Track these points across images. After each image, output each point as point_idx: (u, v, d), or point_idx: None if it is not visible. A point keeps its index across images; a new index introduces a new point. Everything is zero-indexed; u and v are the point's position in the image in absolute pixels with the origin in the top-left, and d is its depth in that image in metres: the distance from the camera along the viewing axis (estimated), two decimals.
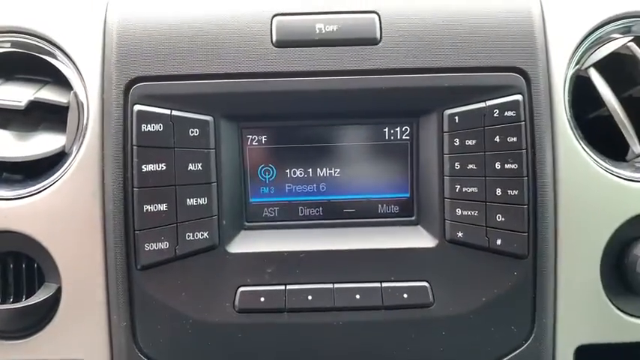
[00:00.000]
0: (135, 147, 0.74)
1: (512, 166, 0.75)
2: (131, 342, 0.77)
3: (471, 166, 0.75)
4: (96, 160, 0.78)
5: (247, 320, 0.76)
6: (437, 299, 0.76)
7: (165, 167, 0.74)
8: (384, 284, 0.76)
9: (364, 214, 0.81)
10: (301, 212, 0.81)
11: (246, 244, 0.78)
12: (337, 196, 0.80)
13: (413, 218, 0.80)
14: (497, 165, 0.75)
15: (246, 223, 0.80)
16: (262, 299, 0.76)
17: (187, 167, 0.75)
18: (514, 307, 0.77)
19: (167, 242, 0.75)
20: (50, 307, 0.81)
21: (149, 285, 0.76)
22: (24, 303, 0.79)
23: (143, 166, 0.74)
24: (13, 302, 0.81)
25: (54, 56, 0.82)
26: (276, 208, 0.81)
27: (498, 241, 0.75)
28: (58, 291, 0.80)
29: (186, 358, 0.77)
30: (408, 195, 0.80)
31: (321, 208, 0.81)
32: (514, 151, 0.75)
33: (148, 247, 0.75)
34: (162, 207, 0.74)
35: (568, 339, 0.80)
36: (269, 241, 0.78)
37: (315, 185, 0.80)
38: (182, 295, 0.76)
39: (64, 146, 0.81)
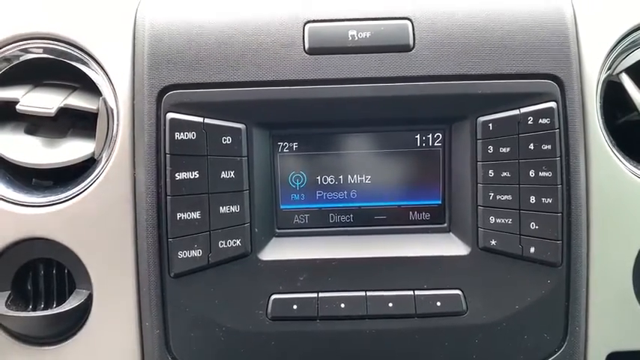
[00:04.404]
0: (168, 155, 0.74)
1: (547, 174, 0.75)
2: (164, 349, 0.77)
3: (504, 174, 0.75)
4: (127, 166, 0.78)
5: (280, 328, 0.76)
6: (470, 307, 0.76)
7: (198, 175, 0.74)
8: (417, 292, 0.76)
9: (395, 222, 0.80)
10: (332, 219, 0.81)
11: (278, 251, 0.78)
12: (368, 202, 0.80)
13: (444, 225, 0.80)
14: (532, 173, 0.75)
15: (277, 230, 0.80)
16: (295, 307, 0.76)
17: (220, 175, 0.75)
18: (547, 314, 0.77)
19: (200, 250, 0.75)
20: (81, 313, 0.81)
21: (182, 292, 0.76)
22: (55, 310, 0.79)
23: (176, 174, 0.74)
24: (43, 309, 0.81)
25: (84, 62, 0.82)
26: (306, 215, 0.81)
27: (532, 249, 0.75)
28: (89, 298, 0.81)
29: None
30: (439, 202, 0.80)
31: (351, 215, 0.81)
32: (548, 159, 0.75)
33: (181, 254, 0.74)
34: (196, 215, 0.74)
35: (599, 346, 0.80)
36: (300, 249, 0.78)
37: (345, 192, 0.80)
38: (215, 303, 0.76)
39: (93, 153, 0.81)
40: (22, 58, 0.83)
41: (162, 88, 0.75)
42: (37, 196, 0.81)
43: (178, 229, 0.74)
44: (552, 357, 0.78)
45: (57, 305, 0.81)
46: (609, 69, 0.82)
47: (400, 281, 0.77)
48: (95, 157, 0.81)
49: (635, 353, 0.81)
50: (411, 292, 0.76)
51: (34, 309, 0.82)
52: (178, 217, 0.74)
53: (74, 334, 0.81)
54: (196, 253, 0.75)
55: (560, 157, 0.75)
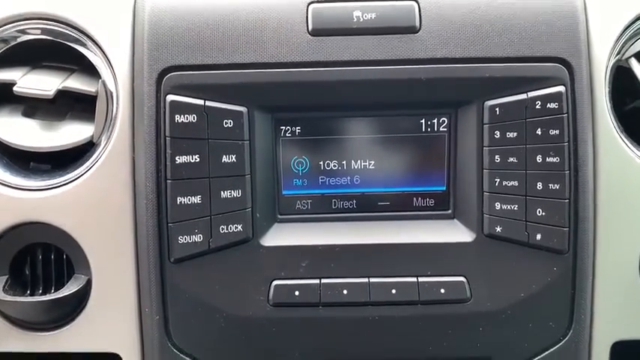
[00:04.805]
0: (168, 138, 0.73)
1: (554, 160, 0.73)
2: (163, 335, 0.76)
3: (511, 160, 0.74)
4: (126, 150, 0.77)
5: (281, 314, 0.75)
6: (474, 295, 0.75)
7: (198, 159, 0.73)
8: (421, 279, 0.75)
9: (399, 208, 0.79)
10: (334, 205, 0.79)
11: (280, 237, 0.77)
12: (371, 188, 0.79)
13: (449, 212, 0.78)
14: (539, 158, 0.73)
15: (279, 216, 0.79)
16: (297, 293, 0.75)
17: (221, 159, 0.73)
18: (552, 302, 0.76)
19: (201, 235, 0.73)
20: (80, 299, 0.80)
21: (182, 278, 0.75)
22: (53, 295, 0.78)
23: (177, 158, 0.73)
24: (41, 294, 0.80)
25: (82, 44, 0.80)
26: (309, 201, 0.79)
27: (538, 236, 0.74)
28: (88, 283, 0.79)
29: (220, 351, 0.76)
30: (444, 188, 0.78)
31: (354, 201, 0.79)
32: (556, 144, 0.73)
33: (181, 239, 0.73)
34: (196, 199, 0.73)
35: (605, 334, 0.79)
36: (303, 235, 0.77)
37: (349, 178, 0.79)
38: (215, 289, 0.75)
39: (92, 136, 0.79)
40: (19, 40, 0.81)
41: (163, 69, 0.73)
42: (35, 179, 0.79)
43: (178, 213, 0.73)
44: (557, 345, 0.77)
45: (55, 291, 0.79)
46: (618, 54, 0.81)
47: (403, 268, 0.75)
48: (94, 141, 0.79)
49: None
50: (414, 279, 0.75)
51: (32, 294, 0.81)
52: (178, 201, 0.73)
53: (73, 319, 0.80)
54: (197, 238, 0.74)
55: (568, 142, 0.73)
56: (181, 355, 0.76)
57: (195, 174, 0.73)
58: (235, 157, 0.74)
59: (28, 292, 0.81)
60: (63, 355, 0.86)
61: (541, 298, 0.75)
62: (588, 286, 0.76)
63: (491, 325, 0.76)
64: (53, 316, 0.80)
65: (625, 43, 0.81)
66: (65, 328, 0.80)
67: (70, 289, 0.79)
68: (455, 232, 0.77)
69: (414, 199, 0.79)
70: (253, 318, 0.75)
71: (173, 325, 0.76)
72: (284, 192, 0.79)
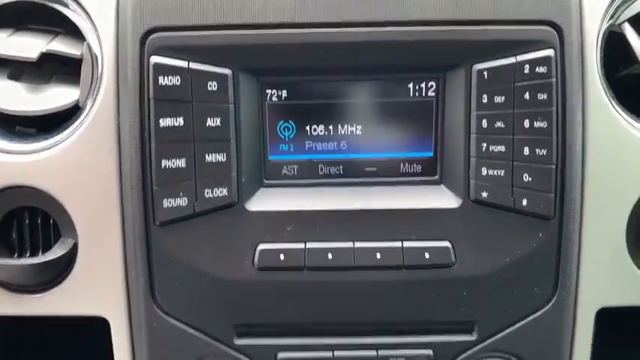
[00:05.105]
0: (152, 100, 0.72)
1: (542, 125, 0.72)
2: (149, 298, 0.76)
3: (498, 124, 0.73)
4: (111, 114, 0.76)
5: (267, 278, 0.75)
6: (459, 259, 0.75)
7: (183, 122, 0.72)
8: (406, 244, 0.75)
9: (385, 174, 0.79)
10: (321, 171, 0.79)
11: (266, 202, 0.76)
12: (358, 154, 0.78)
13: (436, 178, 0.78)
14: (526, 123, 0.73)
15: (265, 181, 0.78)
16: (282, 257, 0.75)
17: (206, 123, 0.73)
18: (537, 268, 0.76)
19: (186, 198, 0.73)
20: (67, 262, 0.80)
21: (167, 242, 0.75)
22: (41, 259, 0.78)
23: (160, 121, 0.72)
24: (29, 258, 0.80)
25: (66, 5, 0.79)
26: (295, 167, 0.79)
27: (524, 202, 0.73)
28: (75, 247, 0.80)
29: (205, 314, 0.77)
30: (431, 154, 0.78)
31: (341, 167, 0.79)
32: (544, 109, 0.72)
33: (166, 203, 0.73)
34: (181, 163, 0.73)
35: (590, 301, 0.79)
36: (288, 200, 0.77)
37: (335, 143, 0.78)
38: (201, 253, 0.75)
39: (77, 100, 0.78)
40: (2, 2, 0.80)
41: (146, 30, 0.72)
42: (20, 143, 0.79)
43: (163, 177, 0.73)
44: (541, 310, 0.77)
45: (42, 255, 0.80)
46: (611, 18, 0.79)
47: (389, 233, 0.75)
48: (80, 105, 0.78)
49: (625, 309, 0.80)
50: (399, 244, 0.75)
51: (20, 258, 0.81)
52: (163, 164, 0.73)
53: (59, 282, 0.80)
54: (182, 201, 0.74)
55: (557, 107, 0.72)
56: (167, 318, 0.77)
57: (179, 137, 0.72)
58: (220, 121, 0.73)
59: (16, 255, 0.81)
60: (52, 327, 0.88)
61: (526, 264, 0.75)
62: (574, 252, 0.76)
63: (475, 289, 0.76)
64: (40, 279, 0.80)
65: (618, 7, 0.79)
66: (52, 290, 0.80)
67: (56, 252, 0.79)
68: (441, 198, 0.76)
69: (401, 165, 0.79)
70: (239, 281, 0.76)
71: (159, 289, 0.76)
72: (270, 157, 0.78)
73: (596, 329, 0.81)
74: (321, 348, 0.78)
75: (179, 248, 0.75)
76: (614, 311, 0.82)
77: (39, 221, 0.82)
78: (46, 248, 0.81)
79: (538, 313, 0.77)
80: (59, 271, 0.81)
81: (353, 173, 0.79)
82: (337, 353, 0.78)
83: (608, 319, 0.83)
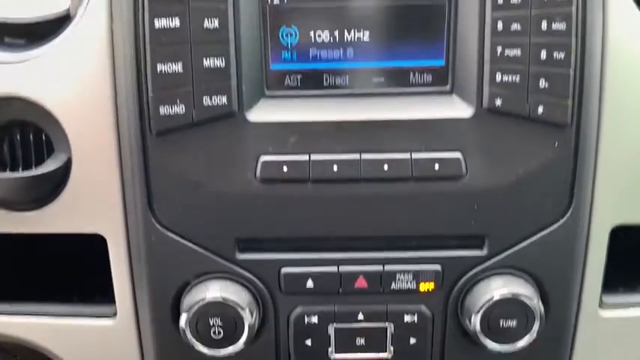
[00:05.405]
0: (146, 0, 0.68)
1: (560, 27, 0.68)
2: (147, 212, 0.73)
3: (514, 26, 0.68)
4: (104, 19, 0.72)
5: (269, 190, 0.72)
6: (470, 171, 0.71)
7: (179, 23, 0.68)
8: (415, 155, 0.71)
9: (394, 84, 0.74)
10: (326, 81, 0.74)
11: (268, 112, 0.72)
12: (365, 63, 0.74)
13: (447, 88, 0.74)
14: (544, 25, 0.68)
15: (267, 92, 0.74)
16: (285, 169, 0.71)
17: (203, 24, 0.68)
18: (552, 180, 0.72)
19: (183, 106, 0.69)
20: (61, 178, 0.77)
21: (165, 152, 0.72)
22: (32, 172, 0.75)
23: (155, 21, 0.67)
24: (21, 172, 0.77)
25: None
26: (298, 76, 0.75)
27: (540, 109, 0.70)
28: (69, 162, 0.76)
29: (206, 228, 0.74)
30: (442, 62, 0.73)
31: (347, 77, 0.74)
32: (563, 9, 0.67)
33: (162, 110, 0.69)
34: (178, 67, 0.68)
35: (605, 217, 0.76)
36: (292, 110, 0.73)
37: (341, 51, 0.74)
38: (201, 164, 0.72)
39: (69, 8, 0.74)
40: None
41: None
42: (10, 52, 0.75)
43: (159, 82, 0.69)
44: (554, 225, 0.74)
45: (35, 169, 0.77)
46: None
47: (397, 144, 0.72)
48: (71, 13, 0.74)
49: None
50: (407, 155, 0.71)
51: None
52: (159, 69, 0.68)
53: (53, 199, 0.77)
54: (179, 109, 0.70)
55: (576, 7, 0.68)
56: (166, 233, 0.74)
57: (175, 39, 0.68)
58: (218, 22, 0.68)
59: (8, 170, 0.79)
60: (49, 246, 0.86)
61: (540, 175, 0.72)
62: (590, 164, 0.73)
63: (486, 202, 0.73)
64: (33, 195, 0.77)
65: None
66: (46, 208, 0.77)
67: (49, 166, 0.76)
68: (452, 108, 0.72)
69: (411, 74, 0.74)
70: (240, 194, 0.73)
71: (157, 202, 0.73)
72: (272, 66, 0.74)
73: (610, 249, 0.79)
74: (326, 263, 0.75)
75: (177, 159, 0.72)
76: (630, 232, 0.79)
77: (31, 137, 0.79)
78: (39, 164, 0.77)
79: (551, 228, 0.74)
80: (52, 188, 0.78)
81: (359, 84, 0.75)
82: (342, 268, 0.75)
83: (623, 241, 0.81)
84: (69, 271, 0.91)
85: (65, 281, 0.90)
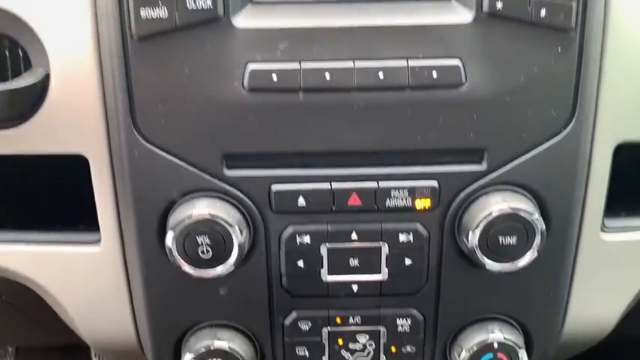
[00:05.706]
0: None
1: None
2: (130, 124, 0.69)
3: None
4: None
5: (258, 100, 0.68)
6: (469, 78, 0.68)
7: None
8: (412, 62, 0.68)
9: None
10: None
11: (255, 17, 0.68)
12: None
13: None
14: None
15: None
16: (274, 77, 0.67)
17: None
18: (554, 88, 0.69)
19: (165, 9, 0.65)
20: (39, 95, 0.73)
21: (148, 60, 0.68)
22: (7, 85, 0.70)
23: None
24: None
25: None
26: None
27: (543, 12, 0.66)
28: (47, 78, 0.72)
29: (192, 143, 0.70)
30: None
31: None
32: None
33: (144, 13, 0.65)
34: None
35: (609, 132, 0.73)
36: (281, 16, 0.69)
37: None
38: (185, 72, 0.68)
39: None
40: None
41: None
42: None
43: None
44: (556, 137, 0.70)
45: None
46: None
47: (393, 51, 0.68)
48: None
49: None
50: (404, 62, 0.68)
51: None
52: None
53: (33, 114, 0.73)
54: (161, 12, 0.65)
55: None
56: (150, 147, 0.70)
57: None
58: None
59: None
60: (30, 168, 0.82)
61: (542, 83, 0.68)
62: (594, 71, 0.69)
63: (486, 113, 0.69)
64: (9, 111, 0.72)
65: None
66: (24, 126, 0.73)
67: (27, 80, 0.71)
68: (451, 13, 0.68)
69: None
70: (227, 104, 0.69)
71: (140, 114, 0.69)
72: None
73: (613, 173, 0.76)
74: (318, 179, 0.72)
75: (161, 68, 0.68)
76: (634, 150, 0.76)
77: (6, 53, 0.75)
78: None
79: (553, 141, 0.70)
80: (30, 105, 0.73)
81: None
82: (335, 185, 0.72)
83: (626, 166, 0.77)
84: (51, 202, 0.87)
85: (48, 211, 0.87)
